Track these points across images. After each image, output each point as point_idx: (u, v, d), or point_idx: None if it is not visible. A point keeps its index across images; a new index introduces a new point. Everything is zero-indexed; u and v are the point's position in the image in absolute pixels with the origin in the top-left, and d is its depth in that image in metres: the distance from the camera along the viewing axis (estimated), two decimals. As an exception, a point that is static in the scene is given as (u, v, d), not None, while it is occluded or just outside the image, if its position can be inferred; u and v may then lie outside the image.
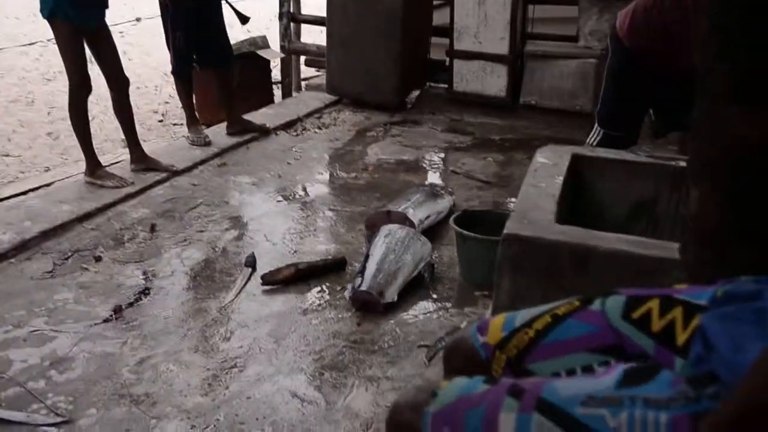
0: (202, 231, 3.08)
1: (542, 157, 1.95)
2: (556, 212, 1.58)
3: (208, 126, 4.80)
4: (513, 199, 3.20)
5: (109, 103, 3.63)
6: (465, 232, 2.54)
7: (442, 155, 4.39)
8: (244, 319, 2.37)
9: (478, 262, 2.52)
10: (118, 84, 3.52)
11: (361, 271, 2.49)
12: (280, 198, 3.53)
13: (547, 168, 1.86)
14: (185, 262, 2.79)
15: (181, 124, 5.49)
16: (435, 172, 4.10)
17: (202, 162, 3.96)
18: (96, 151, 3.58)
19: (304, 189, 3.70)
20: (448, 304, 2.50)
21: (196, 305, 2.47)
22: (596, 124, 2.68)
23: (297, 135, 4.68)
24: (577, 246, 1.43)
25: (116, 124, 3.74)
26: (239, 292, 2.55)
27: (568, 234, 1.47)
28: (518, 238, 1.47)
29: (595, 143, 2.63)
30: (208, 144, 4.17)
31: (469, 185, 3.76)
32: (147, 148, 3.95)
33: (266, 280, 2.59)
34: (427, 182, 3.83)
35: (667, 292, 0.89)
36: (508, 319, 0.98)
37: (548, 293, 1.29)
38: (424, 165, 4.19)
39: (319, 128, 4.87)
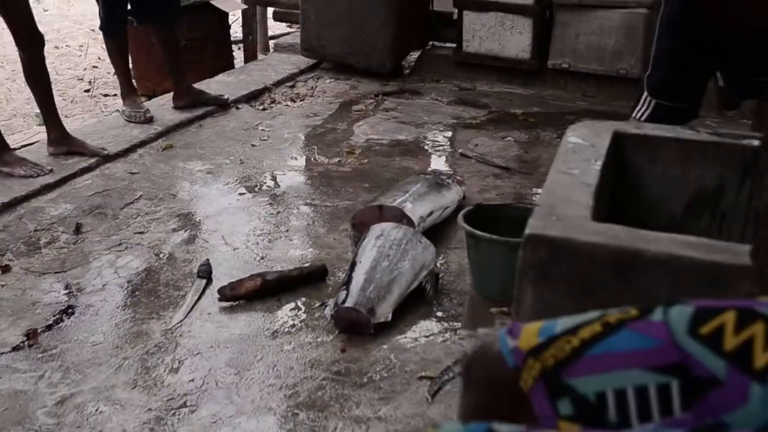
0: (142, 232, 3.08)
1: (575, 135, 1.95)
2: (593, 207, 1.59)
3: (150, 98, 4.79)
4: (538, 190, 3.21)
5: (19, 67, 3.62)
6: (478, 232, 2.55)
7: (449, 134, 4.39)
8: (196, 345, 2.38)
9: (495, 271, 2.53)
10: (30, 42, 3.50)
11: (347, 283, 2.50)
12: (243, 190, 3.54)
13: (582, 150, 1.87)
14: (120, 273, 2.79)
15: (115, 95, 5.49)
16: (440, 156, 4.10)
17: (142, 144, 3.96)
18: (2, 129, 3.56)
19: (274, 178, 3.71)
20: (457, 324, 2.51)
21: (134, 327, 2.47)
22: (645, 93, 2.69)
23: (264, 109, 4.67)
24: (619, 250, 1.44)
25: (28, 94, 3.73)
26: (190, 311, 2.55)
27: (608, 234, 1.48)
28: (544, 239, 1.47)
29: (644, 117, 2.64)
30: (149, 120, 4.16)
31: (484, 172, 3.77)
32: (69, 125, 3.94)
33: (225, 294, 2.59)
34: (429, 169, 3.83)
35: (747, 305, 0.90)
36: (547, 325, 0.99)
37: (583, 310, 1.29)
38: (426, 147, 4.19)
39: (292, 100, 4.86)
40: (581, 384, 0.91)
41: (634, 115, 2.70)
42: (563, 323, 0.98)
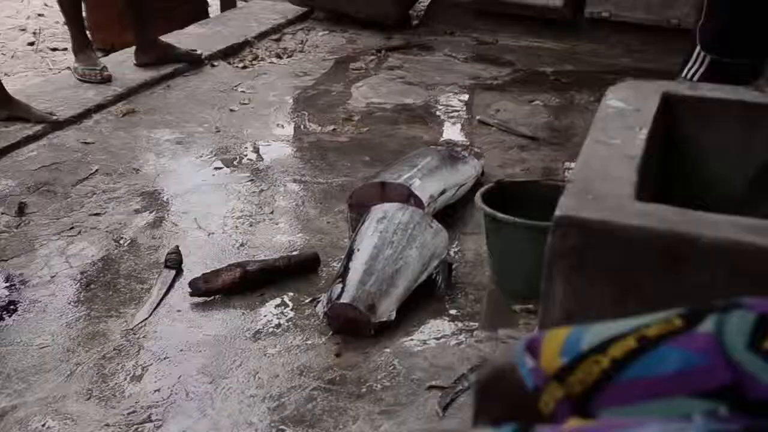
0: (98, 214, 3.09)
1: (617, 98, 1.95)
2: (637, 183, 1.58)
3: (107, 53, 4.78)
4: (572, 164, 3.20)
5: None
6: (499, 214, 2.54)
7: (466, 98, 4.39)
8: (163, 348, 2.38)
9: (518, 261, 2.53)
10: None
11: (342, 275, 2.50)
12: (219, 164, 3.54)
13: (625, 115, 1.86)
14: (72, 262, 2.79)
15: (65, 50, 5.47)
16: (454, 124, 4.10)
17: (98, 108, 3.96)
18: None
19: (256, 150, 3.71)
20: (473, 324, 2.51)
21: (89, 327, 2.47)
22: (698, 47, 2.69)
23: (245, 67, 4.67)
24: (669, 235, 1.43)
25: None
26: (156, 307, 2.56)
27: (655, 216, 1.47)
28: (578, 223, 1.47)
29: (696, 77, 2.63)
30: (106, 80, 4.17)
31: (507, 143, 3.77)
32: (10, 86, 3.93)
33: (198, 288, 2.60)
34: (442, 139, 3.83)
35: None
36: (572, 337, 0.98)
37: (624, 307, 1.28)
38: (438, 113, 4.20)
39: (279, 57, 4.86)
40: (615, 415, 0.91)
41: (684, 74, 2.70)
42: (591, 336, 0.97)
